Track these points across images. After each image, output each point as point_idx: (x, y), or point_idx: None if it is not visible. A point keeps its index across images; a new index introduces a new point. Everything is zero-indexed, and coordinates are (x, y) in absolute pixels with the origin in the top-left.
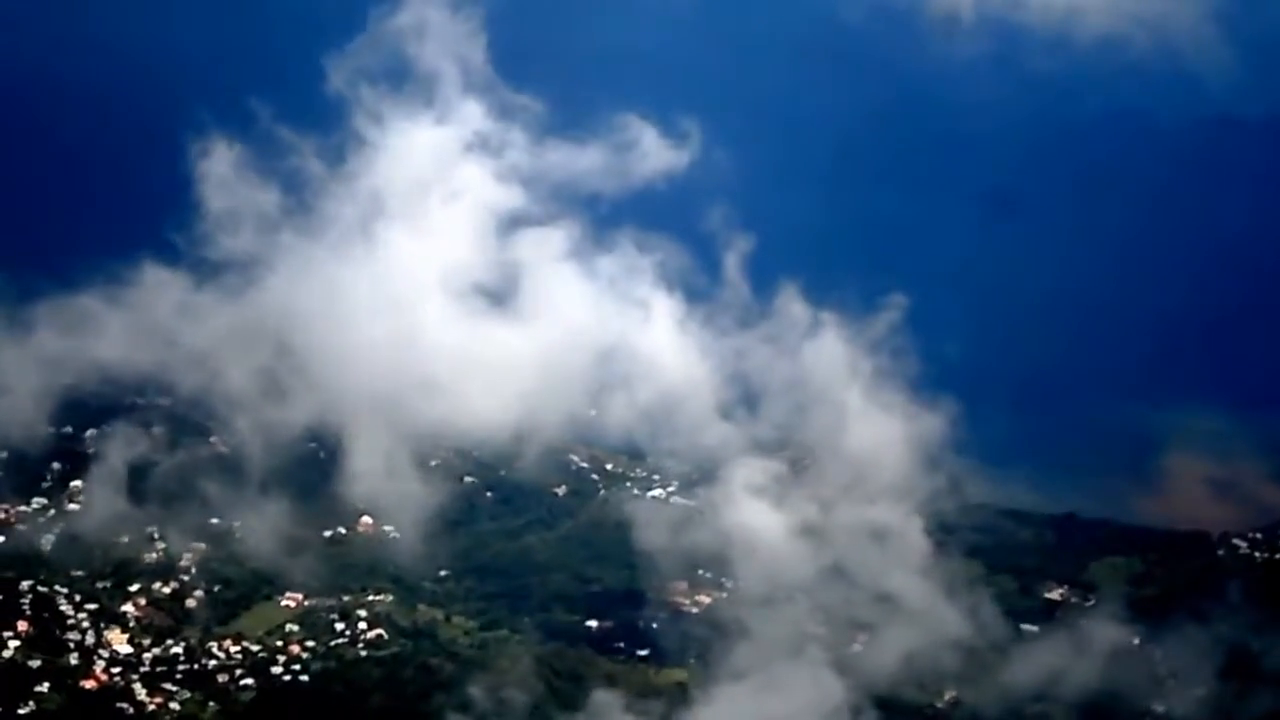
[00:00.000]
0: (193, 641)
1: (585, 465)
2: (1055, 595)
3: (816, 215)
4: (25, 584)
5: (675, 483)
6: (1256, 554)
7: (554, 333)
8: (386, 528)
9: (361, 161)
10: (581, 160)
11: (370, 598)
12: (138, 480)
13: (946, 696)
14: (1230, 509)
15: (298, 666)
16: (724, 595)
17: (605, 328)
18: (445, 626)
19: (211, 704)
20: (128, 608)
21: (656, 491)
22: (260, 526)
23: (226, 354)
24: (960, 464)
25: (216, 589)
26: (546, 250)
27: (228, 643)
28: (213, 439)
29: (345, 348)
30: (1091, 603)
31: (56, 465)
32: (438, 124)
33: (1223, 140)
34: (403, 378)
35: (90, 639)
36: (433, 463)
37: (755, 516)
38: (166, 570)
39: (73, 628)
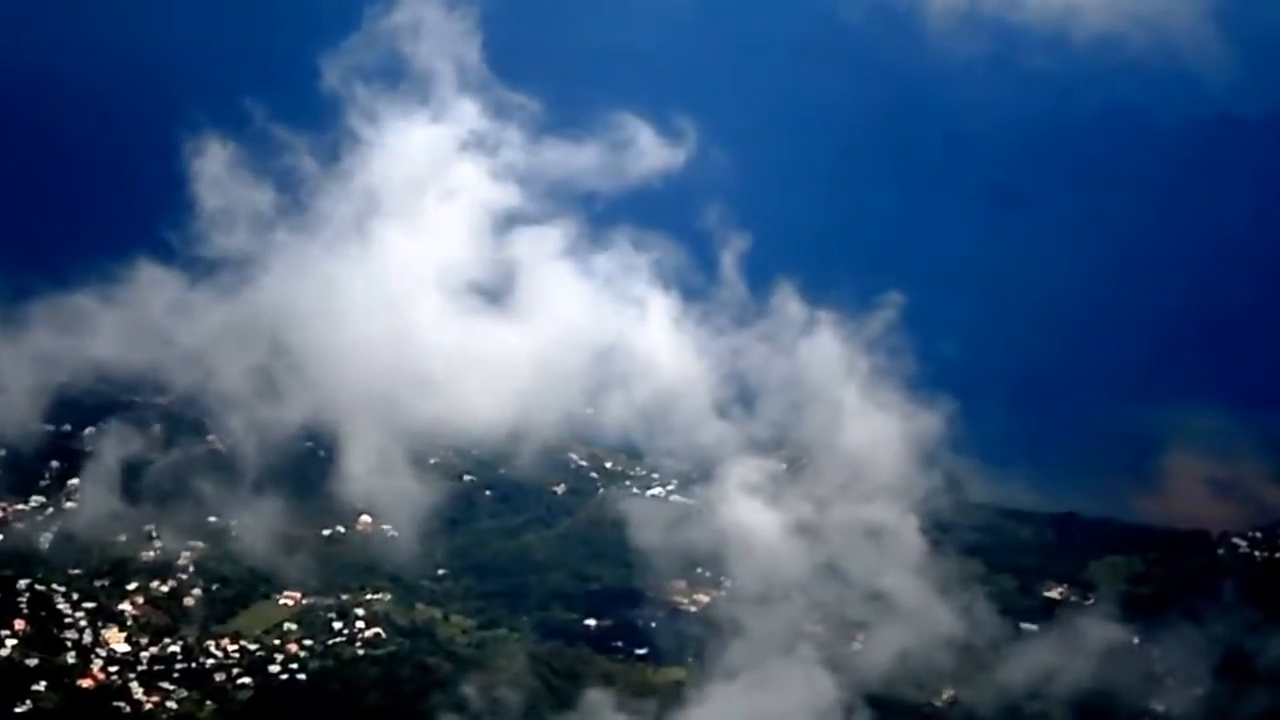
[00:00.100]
0: (190, 640)
1: (584, 463)
2: (1055, 594)
3: (813, 214)
4: (23, 582)
5: (674, 481)
6: (1256, 553)
7: (550, 331)
8: (385, 526)
9: (357, 160)
10: (577, 159)
11: (368, 596)
12: (135, 479)
13: (945, 695)
14: (1230, 508)
15: (295, 665)
16: (723, 594)
17: (601, 326)
18: (443, 625)
19: (209, 703)
20: (125, 606)
21: (656, 490)
22: (258, 525)
23: (222, 352)
24: (960, 463)
25: (214, 588)
26: (542, 248)
27: (225, 641)
28: (210, 437)
29: (341, 346)
30: (1091, 602)
31: (55, 464)
32: (433, 122)
33: (1221, 139)
34: (399, 376)
35: (88, 638)
36: (431, 461)
37: (753, 515)
38: (164, 569)
39: (70, 626)
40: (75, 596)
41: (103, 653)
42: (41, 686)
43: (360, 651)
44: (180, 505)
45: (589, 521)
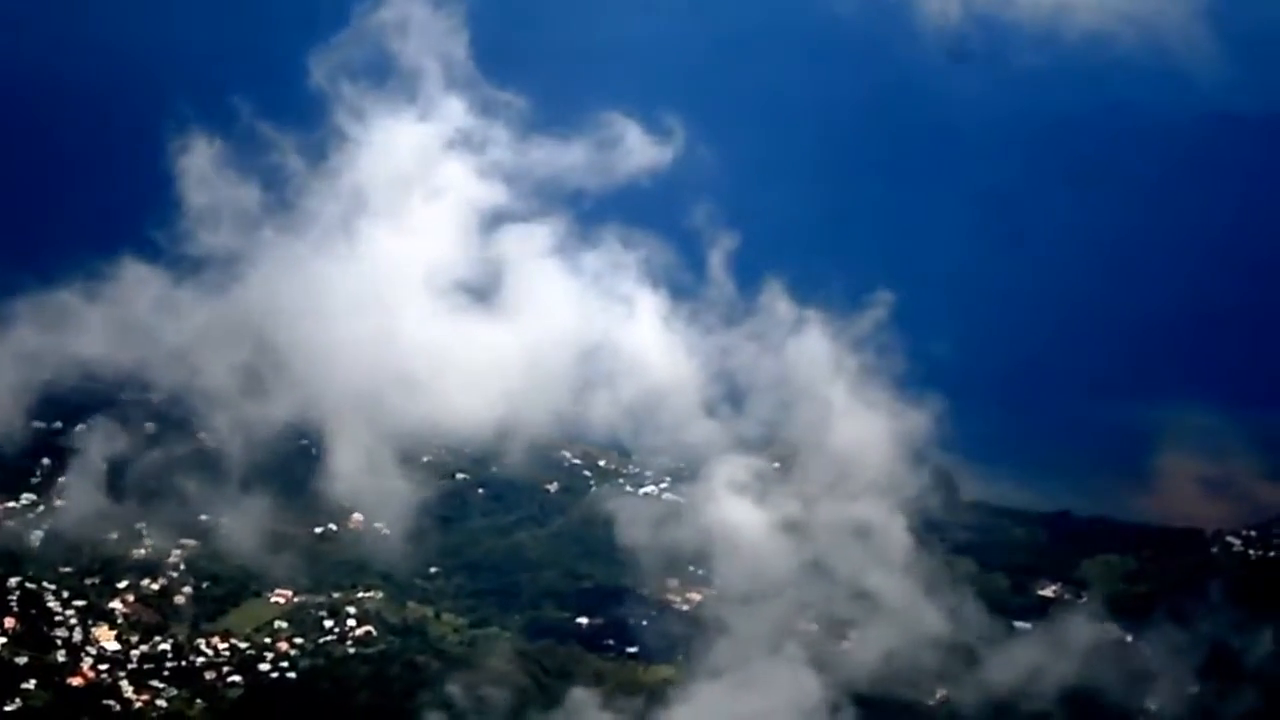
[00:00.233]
0: (180, 638)
1: (577, 461)
2: (1048, 593)
3: (801, 212)
4: (13, 580)
5: (667, 480)
6: (1250, 551)
7: (538, 330)
8: (377, 524)
9: (343, 158)
10: (565, 157)
11: (360, 594)
12: (126, 477)
13: (938, 694)
14: (1224, 506)
15: (285, 664)
16: (715, 593)
17: (589, 325)
18: (435, 624)
19: (199, 701)
20: (115, 604)
21: (649, 488)
22: (248, 523)
23: (209, 350)
24: (953, 462)
25: (205, 586)
26: (530, 247)
27: (215, 640)
28: (200, 435)
29: (329, 344)
30: (1084, 600)
31: (46, 461)
32: (420, 120)
33: (1211, 136)
34: (387, 375)
35: (78, 636)
36: (424, 459)
37: (744, 514)
38: (154, 567)
39: (60, 624)
40: (65, 594)
41: (93, 651)
42: (31, 685)
43: (351, 650)
44: (170, 503)
45: (581, 520)
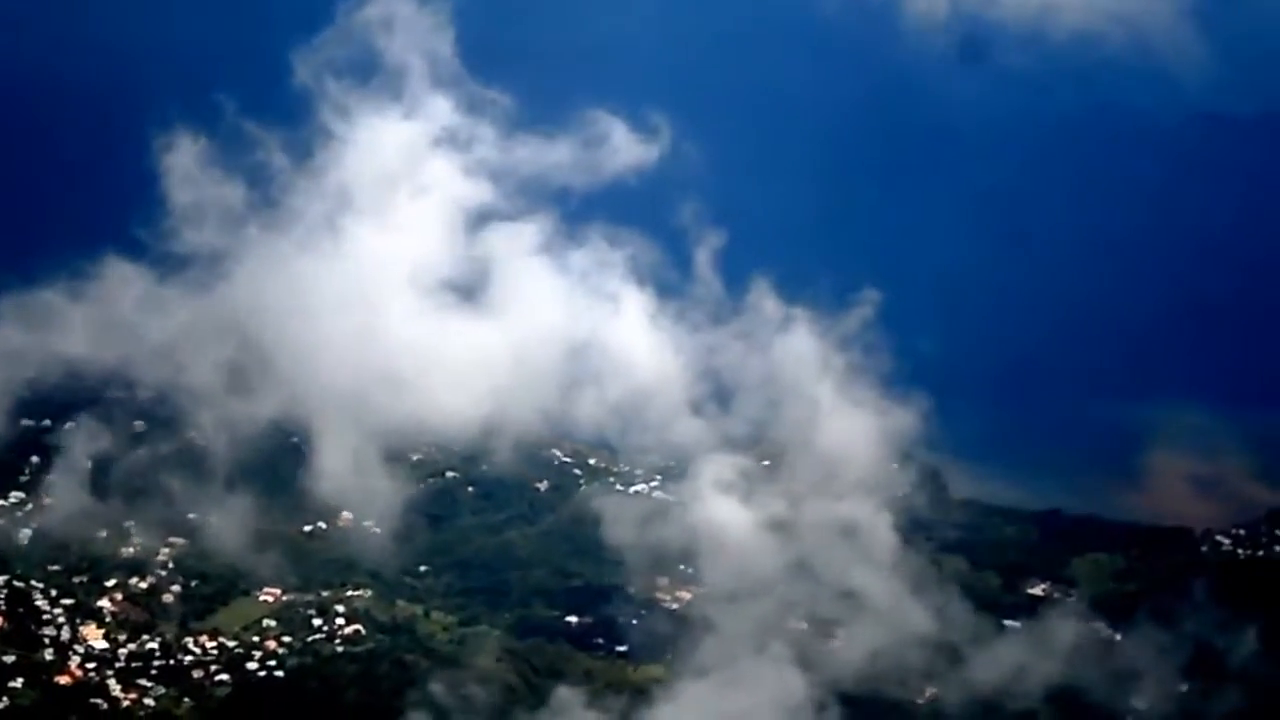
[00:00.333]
0: (168, 637)
1: (567, 460)
2: (1038, 591)
3: (788, 210)
4: (1, 579)
5: (658, 478)
6: (1239, 550)
7: (524, 328)
8: (366, 523)
9: (329, 156)
10: (551, 155)
11: (349, 593)
12: (113, 475)
13: (927, 693)
14: (1213, 505)
15: (273, 662)
16: (705, 591)
17: (576, 323)
18: (424, 622)
19: (186, 700)
20: (104, 603)
21: (639, 487)
22: (237, 522)
23: (196, 348)
24: (944, 460)
25: (193, 584)
26: (517, 245)
27: (204, 638)
28: (188, 433)
29: (316, 342)
30: (1074, 598)
31: (35, 459)
32: (405, 118)
33: (1201, 136)
34: (374, 373)
35: (66, 634)
36: (414, 457)
37: (734, 513)
38: (142, 566)
39: (48, 623)
40: (53, 593)
41: (80, 649)
42: (19, 683)
43: (339, 648)
44: (158, 502)
45: (571, 518)
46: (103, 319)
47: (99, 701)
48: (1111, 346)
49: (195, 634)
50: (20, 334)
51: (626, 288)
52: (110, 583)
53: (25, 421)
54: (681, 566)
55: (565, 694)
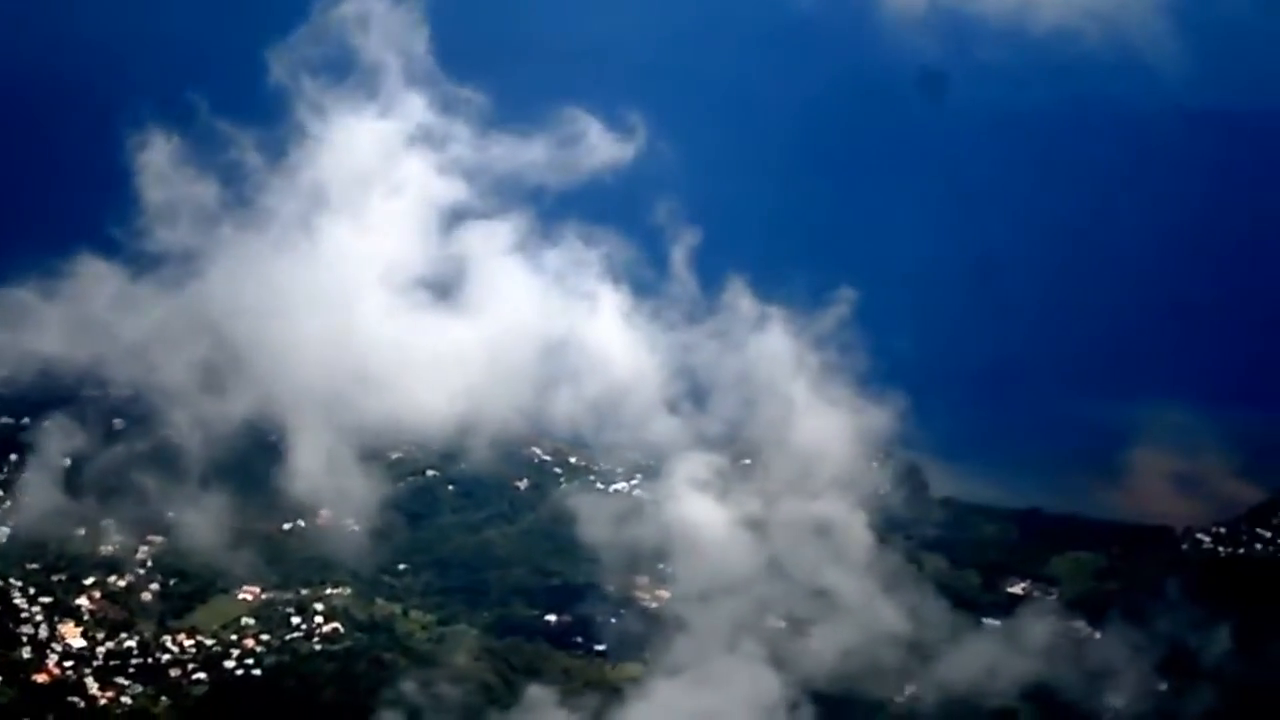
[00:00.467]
0: (146, 635)
1: (547, 458)
2: (1018, 590)
3: (764, 208)
4: None
5: (638, 476)
6: (1220, 548)
7: (500, 326)
8: (345, 521)
9: (303, 154)
10: (526, 153)
11: (327, 591)
12: (90, 474)
13: (907, 691)
14: (1194, 503)
15: (251, 661)
16: (683, 590)
17: (551, 321)
18: (402, 620)
19: (164, 698)
20: (82, 601)
21: (619, 485)
22: (216, 520)
23: (170, 347)
24: (924, 458)
25: (171, 583)
26: (492, 244)
27: (181, 637)
28: (165, 432)
29: (291, 341)
30: (1054, 597)
31: (12, 457)
32: (380, 117)
33: (1179, 131)
34: (349, 371)
35: (43, 632)
36: (394, 455)
37: (713, 512)
38: (121, 564)
39: (26, 621)
40: (31, 591)
41: (58, 648)
42: None
43: (317, 647)
44: (136, 500)
45: (551, 517)
46: (77, 317)
47: (76, 700)
48: (1092, 344)
49: (173, 632)
50: None
51: (602, 286)
52: (88, 581)
53: (1, 419)
54: (660, 565)
55: (538, 693)
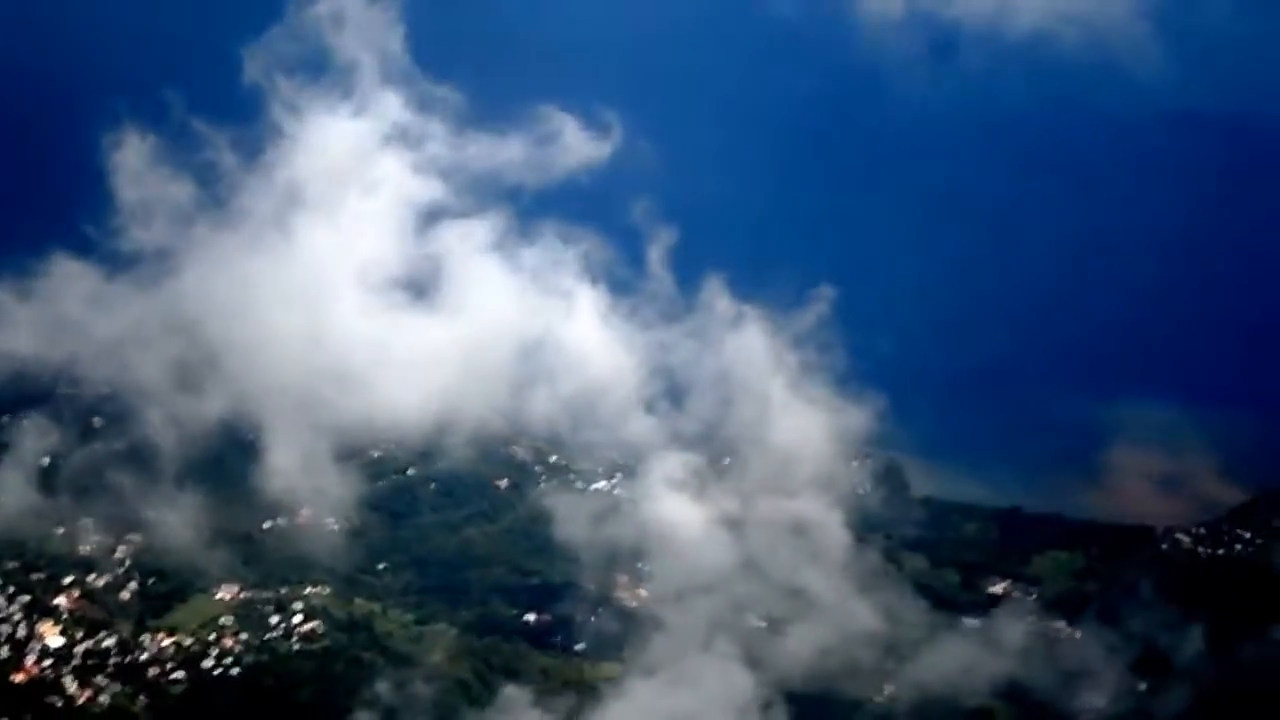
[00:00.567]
0: (125, 635)
1: (528, 458)
2: (998, 589)
3: (742, 207)
4: None
5: (618, 475)
6: (1200, 549)
7: (477, 325)
8: (326, 520)
9: (279, 153)
10: (502, 152)
11: (307, 590)
12: (67, 473)
13: (885, 691)
14: (1175, 503)
15: (229, 660)
16: (662, 589)
17: (529, 320)
18: (381, 619)
19: (142, 698)
20: (61, 600)
21: (600, 484)
22: (196, 519)
23: (145, 346)
24: (905, 458)
25: (150, 582)
26: (468, 242)
27: (160, 636)
28: (143, 431)
29: (268, 340)
30: (1034, 597)
31: None
32: (356, 115)
33: (1159, 133)
34: (327, 370)
35: (22, 631)
36: (375, 454)
37: (693, 511)
38: (100, 563)
39: (4, 620)
40: (10, 590)
41: (37, 647)
42: None
43: (296, 646)
44: (115, 499)
45: (531, 516)
46: (52, 317)
47: (54, 699)
48: (1074, 343)
49: (152, 631)
50: None
51: (579, 285)
52: (67, 580)
53: None
54: (640, 565)
55: (512, 693)
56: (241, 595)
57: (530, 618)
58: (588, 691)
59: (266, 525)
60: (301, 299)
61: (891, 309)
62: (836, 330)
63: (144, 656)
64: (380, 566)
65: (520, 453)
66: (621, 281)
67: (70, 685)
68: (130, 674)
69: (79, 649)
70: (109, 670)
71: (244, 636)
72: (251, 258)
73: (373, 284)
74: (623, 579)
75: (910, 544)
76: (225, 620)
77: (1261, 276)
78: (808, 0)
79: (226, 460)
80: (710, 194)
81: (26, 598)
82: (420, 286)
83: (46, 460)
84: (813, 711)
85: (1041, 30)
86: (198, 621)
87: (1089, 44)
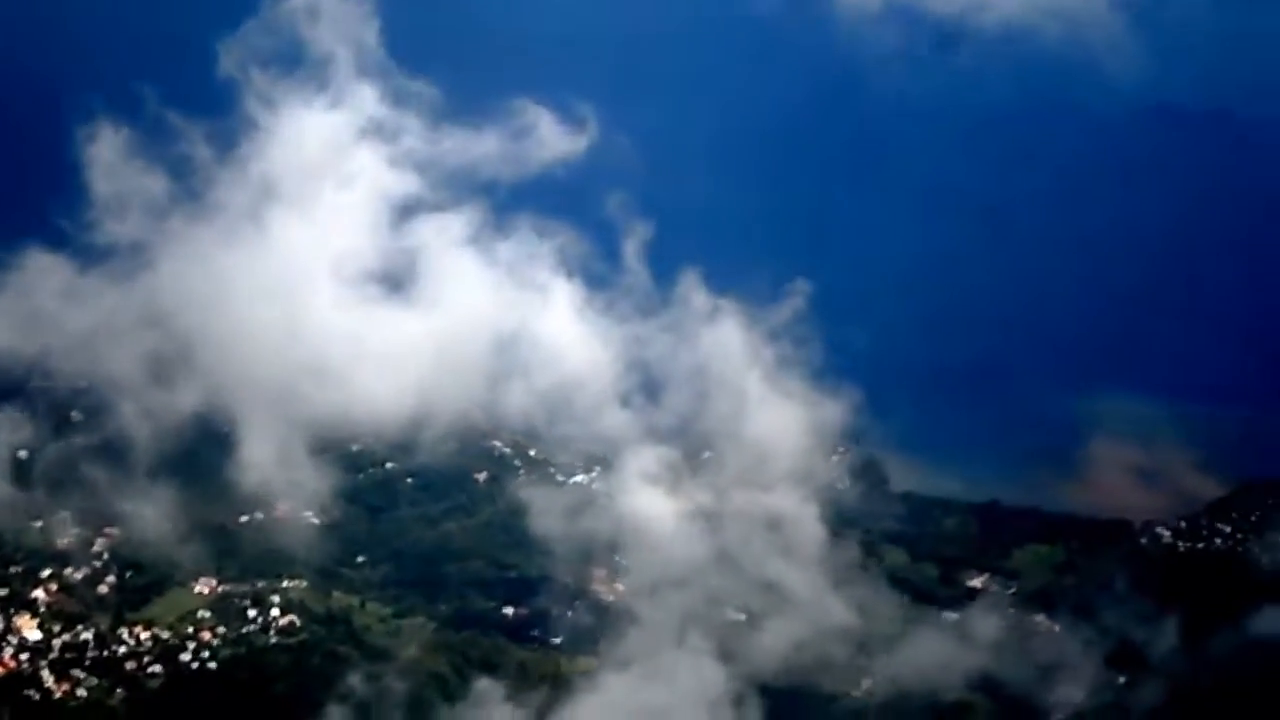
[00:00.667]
0: (102, 628)
1: (507, 451)
2: (977, 583)
3: (718, 201)
4: None
5: (597, 469)
6: (1179, 543)
7: (453, 319)
8: (304, 513)
9: (253, 147)
10: (478, 146)
11: (284, 584)
12: (43, 467)
13: (863, 685)
14: (1154, 496)
15: (207, 654)
16: (640, 583)
17: (504, 314)
18: (359, 613)
19: (119, 691)
20: (38, 594)
21: (579, 478)
22: (173, 513)
23: (119, 339)
24: (884, 452)
25: (128, 575)
26: (444, 237)
27: (138, 629)
28: (118, 425)
29: (243, 333)
30: (1013, 590)
31: None
32: (331, 109)
33: (1138, 128)
34: (301, 363)
35: None
36: (354, 448)
37: (670, 505)
38: (77, 557)
39: None
40: None
41: (14, 640)
42: None
43: (273, 639)
44: (93, 493)
45: (509, 510)
46: (26, 310)
47: (32, 692)
48: (1052, 338)
49: (129, 625)
50: None
51: (555, 279)
52: (44, 574)
53: None
54: (618, 558)
55: (486, 686)
56: (219, 589)
57: (508, 611)
58: (562, 685)
59: (244, 519)
60: (277, 292)
61: (869, 303)
62: (814, 324)
63: (121, 650)
64: (358, 560)
65: (499, 446)
66: (598, 275)
67: (48, 678)
68: (108, 667)
69: (56, 642)
70: (86, 664)
71: (221, 630)
72: (227, 251)
73: (349, 277)
74: (600, 573)
75: (889, 538)
76: (203, 614)
77: (1240, 271)
78: None
79: (203, 454)
80: (686, 188)
81: (3, 591)
82: (396, 280)
83: (22, 454)
84: (790, 706)
85: (1019, 24)
86: (175, 615)
87: (1067, 38)
